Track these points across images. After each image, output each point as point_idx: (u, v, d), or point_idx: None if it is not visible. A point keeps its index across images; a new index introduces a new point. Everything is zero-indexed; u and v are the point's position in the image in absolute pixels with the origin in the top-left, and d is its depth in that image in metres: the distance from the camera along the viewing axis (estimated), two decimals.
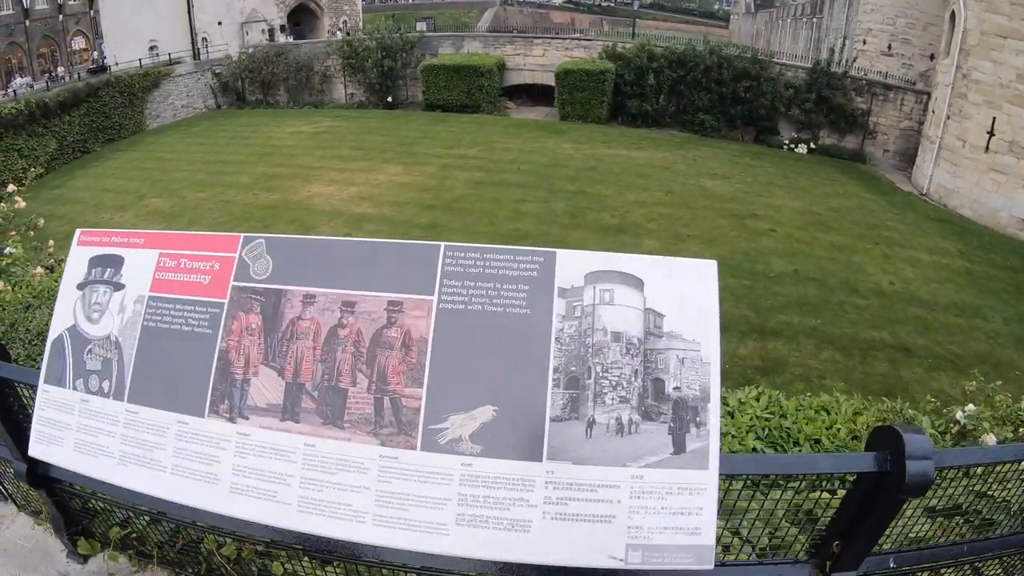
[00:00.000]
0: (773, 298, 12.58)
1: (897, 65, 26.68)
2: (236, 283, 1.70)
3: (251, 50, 30.54)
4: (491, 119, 26.29)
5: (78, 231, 1.90)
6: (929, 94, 23.17)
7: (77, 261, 1.87)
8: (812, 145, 24.59)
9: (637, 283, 1.58)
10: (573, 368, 1.57)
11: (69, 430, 1.79)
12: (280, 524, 1.60)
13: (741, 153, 23.34)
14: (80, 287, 1.85)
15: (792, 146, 24.61)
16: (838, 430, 3.14)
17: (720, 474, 1.52)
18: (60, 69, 28.73)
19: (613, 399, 1.56)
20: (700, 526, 1.51)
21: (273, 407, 1.62)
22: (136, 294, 1.79)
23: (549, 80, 27.13)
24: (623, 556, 1.50)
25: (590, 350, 1.58)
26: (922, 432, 1.51)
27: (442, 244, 1.63)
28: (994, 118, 18.97)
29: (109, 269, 1.82)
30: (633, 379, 1.57)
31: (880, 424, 3.23)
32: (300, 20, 42.45)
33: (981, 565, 2.19)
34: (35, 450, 1.85)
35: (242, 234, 1.74)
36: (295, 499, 1.58)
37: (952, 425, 3.49)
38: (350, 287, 1.62)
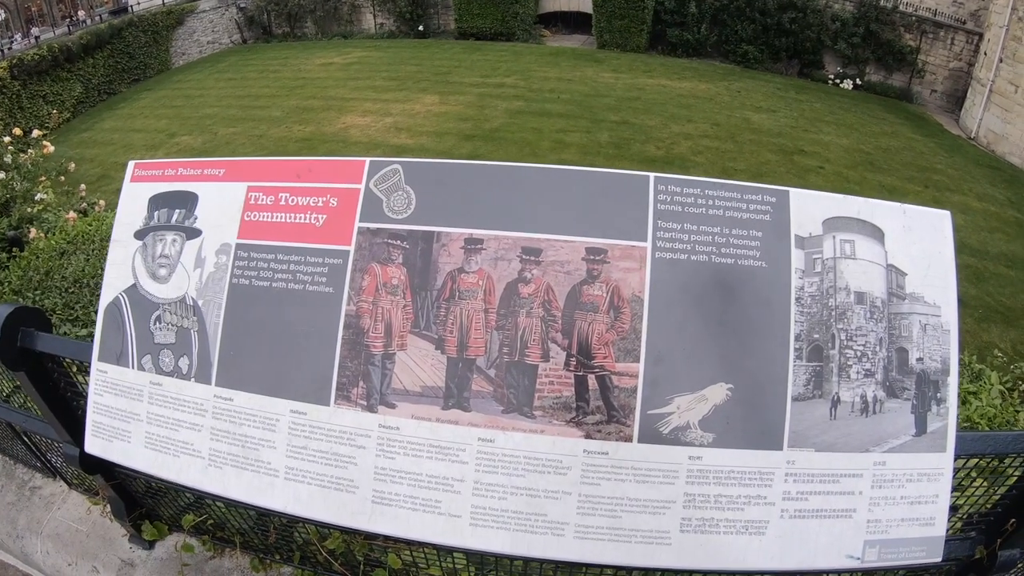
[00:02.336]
0: None
1: (947, 2, 24.34)
2: (364, 224, 1.27)
3: None
4: (527, 47, 24.86)
5: (131, 163, 1.41)
6: (981, 35, 21.59)
7: (132, 201, 1.39)
8: (858, 81, 23.41)
9: (878, 234, 1.30)
10: (816, 335, 1.25)
11: (137, 421, 1.36)
12: (447, 541, 1.22)
13: (785, 87, 22.31)
14: (139, 235, 1.38)
15: (837, 81, 23.45)
16: None
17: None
18: (81, 13, 26.61)
19: (858, 372, 1.28)
20: (935, 516, 1.32)
21: (431, 391, 1.22)
22: (218, 242, 1.34)
23: (586, 7, 25.32)
24: (860, 554, 1.27)
25: (834, 313, 1.25)
26: None
27: (651, 175, 1.24)
28: None
29: (179, 210, 1.35)
30: (878, 348, 1.29)
31: None
32: None
33: None
34: (92, 445, 1.41)
35: (367, 158, 1.29)
36: (467, 510, 1.21)
37: (1020, 382, 3.46)
38: (532, 229, 1.21)
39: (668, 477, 1.19)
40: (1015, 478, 1.53)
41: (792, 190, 1.27)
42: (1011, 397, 3.28)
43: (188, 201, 1.35)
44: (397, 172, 1.27)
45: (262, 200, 1.33)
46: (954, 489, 1.83)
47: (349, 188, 1.29)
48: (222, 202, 1.34)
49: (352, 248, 1.26)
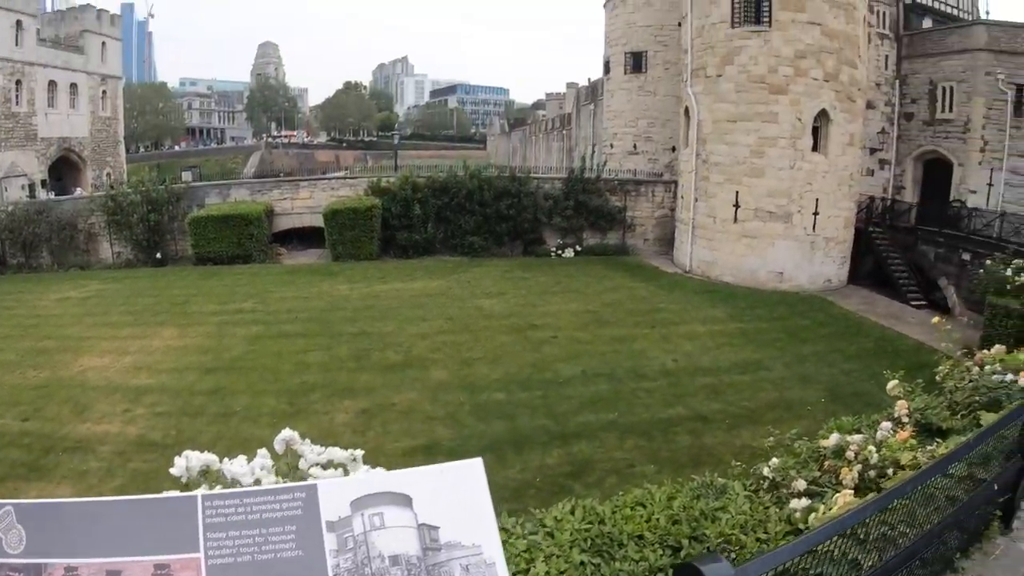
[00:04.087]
0: (567, 402, 12.32)
1: (644, 161, 30.48)
2: None
3: (11, 208, 26.61)
4: (263, 268, 24.94)
5: None
6: (676, 182, 25.92)
7: None
8: (578, 248, 26.46)
9: (405, 500, 1.49)
10: None
11: None
12: None
13: (512, 267, 24.17)
14: None
15: (559, 252, 26.30)
16: (658, 520, 3.12)
17: None
18: None
19: None
20: None
21: None
22: None
23: (318, 222, 26.17)
24: None
25: None
26: (720, 560, 1.58)
27: (199, 494, 1.60)
28: (737, 192, 21.71)
29: None
30: None
31: (694, 502, 3.31)
32: (62, 174, 39.14)
33: None
34: None
35: None
36: None
37: (762, 481, 3.74)
38: (114, 553, 1.57)
39: None
40: None
41: (320, 483, 1.58)
42: (759, 497, 3.49)
43: None
44: (10, 513, 1.60)
45: None
46: None
47: None
48: None
49: None
